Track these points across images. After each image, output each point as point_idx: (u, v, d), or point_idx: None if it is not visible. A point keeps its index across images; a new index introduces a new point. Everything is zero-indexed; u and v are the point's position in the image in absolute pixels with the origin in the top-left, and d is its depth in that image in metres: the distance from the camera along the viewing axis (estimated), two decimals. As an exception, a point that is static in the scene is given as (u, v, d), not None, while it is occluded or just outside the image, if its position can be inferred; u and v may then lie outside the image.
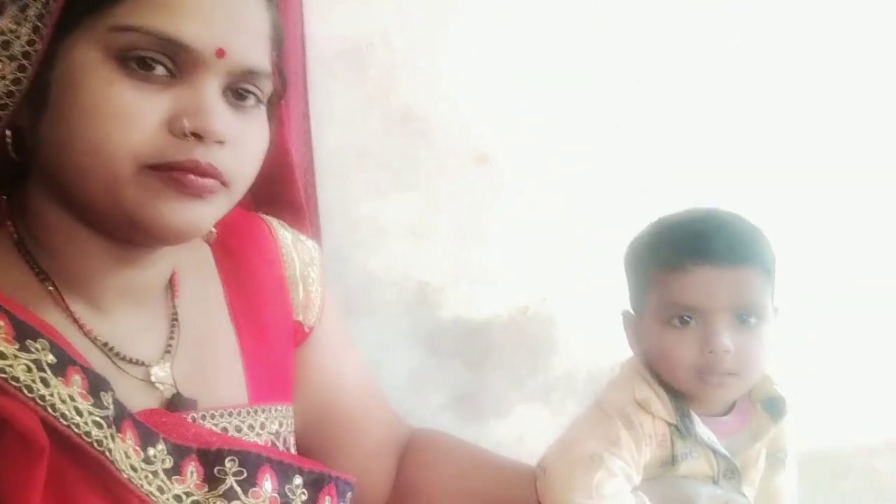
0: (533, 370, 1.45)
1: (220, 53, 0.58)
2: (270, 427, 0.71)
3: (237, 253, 0.74)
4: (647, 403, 0.78)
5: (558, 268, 1.40)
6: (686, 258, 0.76)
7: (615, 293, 1.42)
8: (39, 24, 0.57)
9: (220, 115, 0.58)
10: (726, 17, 1.34)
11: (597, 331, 1.47)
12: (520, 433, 1.46)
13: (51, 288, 0.62)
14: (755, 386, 0.81)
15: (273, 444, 0.70)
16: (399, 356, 1.36)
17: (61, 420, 0.53)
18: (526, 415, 1.47)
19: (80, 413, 0.54)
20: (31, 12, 0.57)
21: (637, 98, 1.36)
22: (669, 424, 0.77)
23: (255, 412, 0.70)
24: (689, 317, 0.76)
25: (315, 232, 1.06)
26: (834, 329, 1.43)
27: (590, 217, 1.40)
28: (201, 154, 0.58)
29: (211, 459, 0.62)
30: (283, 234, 0.78)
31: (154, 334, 0.67)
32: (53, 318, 0.60)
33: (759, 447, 0.80)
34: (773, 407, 0.81)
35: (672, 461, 0.77)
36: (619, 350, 1.45)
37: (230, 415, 0.68)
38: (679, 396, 0.78)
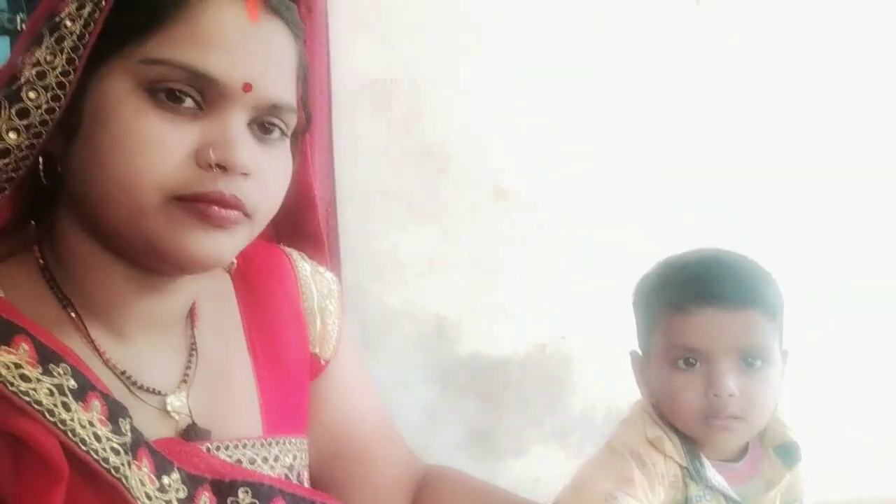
0: (551, 410, 1.44)
1: (247, 88, 0.59)
2: (284, 460, 0.70)
3: (257, 284, 0.74)
4: (660, 443, 0.77)
5: (577, 306, 1.40)
6: (690, 300, 0.76)
7: (634, 333, 1.42)
8: (74, 56, 0.58)
9: (245, 147, 0.59)
10: (726, 18, 1.34)
11: (616, 371, 1.44)
12: (536, 474, 1.44)
13: (72, 314, 0.63)
14: (768, 431, 0.81)
15: (287, 477, 0.70)
16: (414, 391, 1.35)
17: (80, 445, 0.53)
18: (543, 455, 1.45)
19: (98, 439, 0.54)
20: (67, 44, 0.59)
21: (668, 138, 1.37)
22: (681, 467, 0.77)
23: (270, 444, 0.69)
24: (693, 359, 0.76)
25: (335, 264, 1.07)
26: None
27: (610, 256, 1.39)
28: (225, 185, 0.58)
29: (224, 490, 0.61)
30: (303, 266, 0.78)
31: (172, 363, 0.67)
32: (74, 343, 0.61)
33: (773, 495, 0.79)
34: (787, 453, 0.80)
35: (684, 503, 0.76)
36: (636, 396, 1.44)
37: (244, 446, 0.67)
38: (689, 440, 0.78)
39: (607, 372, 1.43)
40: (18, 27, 1.91)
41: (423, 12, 1.21)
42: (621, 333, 1.40)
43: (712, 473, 0.76)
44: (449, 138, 1.27)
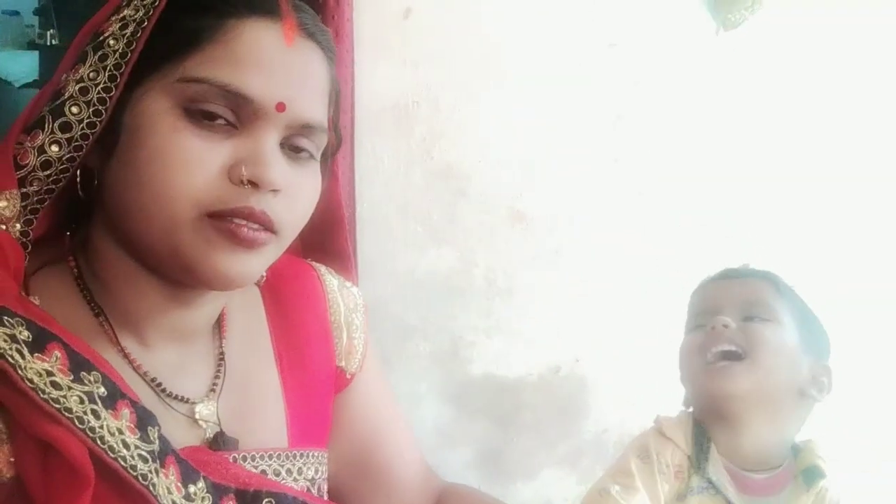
0: (563, 433, 1.43)
1: (281, 108, 0.61)
2: (307, 473, 0.71)
3: (285, 297, 0.75)
4: (670, 429, 0.80)
5: (592, 329, 1.40)
6: (707, 280, 0.90)
7: (649, 358, 1.42)
8: (116, 73, 0.61)
9: (276, 165, 0.61)
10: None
11: (629, 395, 1.45)
12: (547, 497, 1.43)
13: (104, 323, 0.64)
14: (800, 454, 0.81)
15: (308, 489, 0.70)
16: (428, 409, 1.35)
17: (109, 453, 0.54)
18: (554, 478, 1.44)
19: (127, 446, 0.55)
20: (110, 62, 0.61)
21: (694, 166, 1.38)
22: (687, 456, 0.79)
23: (294, 456, 0.70)
24: (702, 322, 0.84)
25: (354, 282, 1.08)
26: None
27: (626, 281, 1.40)
28: (256, 201, 0.60)
29: (249, 500, 0.62)
30: (330, 281, 0.79)
31: (200, 372, 0.68)
32: (105, 352, 0.62)
33: None
34: (810, 474, 0.80)
35: (685, 493, 0.77)
36: (652, 416, 1.44)
37: (270, 457, 0.68)
38: (703, 431, 0.80)
39: (621, 396, 1.43)
40: (49, 42, 1.96)
41: (445, 36, 1.23)
42: (636, 358, 1.42)
43: (716, 469, 0.77)
44: (468, 161, 1.28)
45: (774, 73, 1.37)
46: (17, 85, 3.10)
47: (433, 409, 1.36)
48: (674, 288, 1.42)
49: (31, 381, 0.52)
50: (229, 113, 0.60)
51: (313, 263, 0.80)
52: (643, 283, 1.41)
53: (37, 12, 2.29)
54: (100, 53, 0.61)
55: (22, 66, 3.12)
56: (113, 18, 0.63)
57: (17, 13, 3.50)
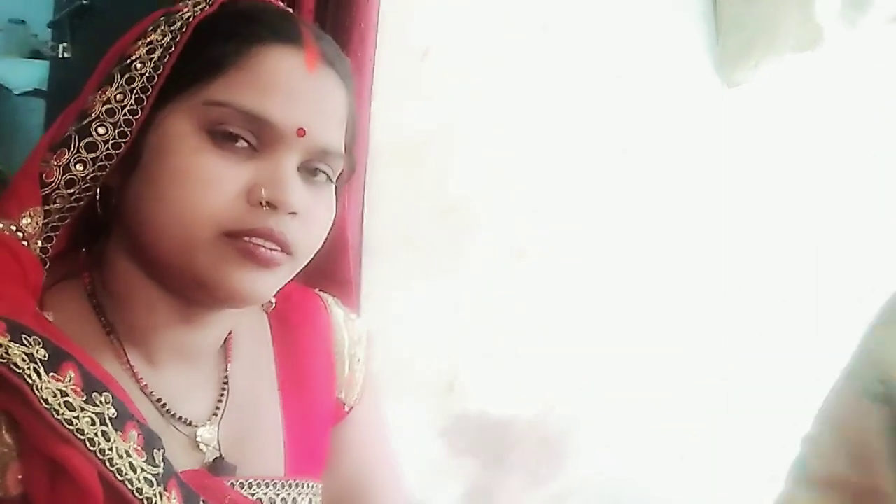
0: (552, 473, 1.43)
1: (301, 133, 0.62)
2: (301, 503, 0.71)
3: (292, 325, 0.76)
4: None
5: (586, 371, 1.40)
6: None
7: (641, 401, 1.42)
8: (142, 96, 0.62)
9: (295, 188, 0.62)
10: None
11: (619, 439, 1.45)
12: (534, 537, 1.43)
13: (114, 340, 0.64)
14: None
15: (301, 520, 0.70)
16: (419, 443, 1.35)
17: (117, 475, 0.54)
18: (541, 520, 1.44)
19: (134, 469, 0.55)
20: (137, 85, 0.62)
21: (686, 211, 1.40)
22: None
23: (290, 486, 0.70)
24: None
25: (355, 311, 1.08)
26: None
27: (623, 325, 1.41)
28: (274, 223, 0.61)
29: None
30: (336, 312, 0.80)
31: (204, 395, 0.68)
32: (113, 369, 0.62)
33: None
34: None
35: None
36: (639, 463, 1.43)
37: (266, 485, 0.68)
38: None
39: (612, 439, 1.43)
40: (61, 55, 1.98)
41: (460, 76, 1.26)
42: (628, 401, 1.42)
43: None
44: (475, 197, 1.30)
45: (775, 129, 1.40)
46: (16, 92, 3.11)
47: (425, 443, 1.35)
48: (669, 336, 1.44)
49: (46, 401, 0.52)
50: (251, 136, 0.61)
51: (321, 293, 0.80)
52: (640, 329, 1.42)
53: (50, 25, 2.32)
54: (127, 76, 0.62)
55: (23, 75, 3.14)
56: (140, 42, 0.64)
57: (23, 22, 3.54)
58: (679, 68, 1.35)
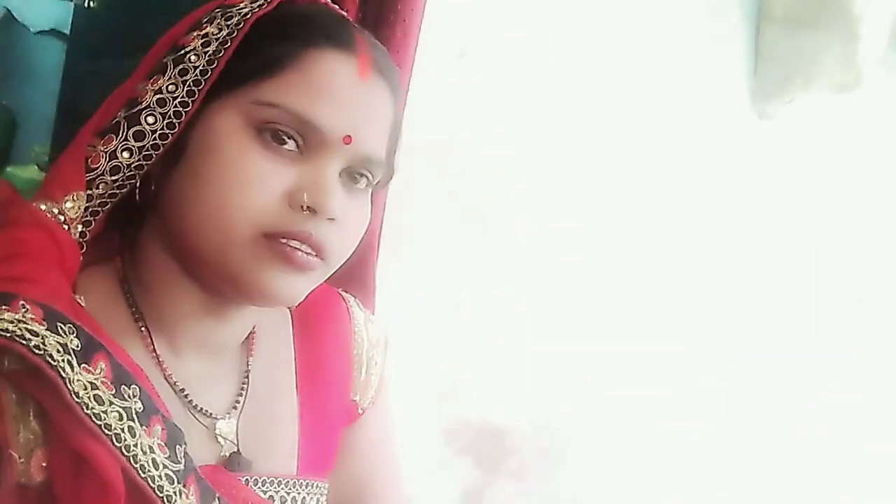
0: (547, 478, 1.43)
1: (348, 140, 0.62)
2: (310, 503, 0.71)
3: (314, 323, 0.76)
4: None
5: (587, 382, 1.40)
6: None
7: (638, 412, 1.42)
8: (195, 89, 0.62)
9: (336, 194, 0.62)
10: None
11: (610, 454, 1.46)
12: (522, 545, 1.43)
13: (143, 328, 0.64)
14: None
15: (307, 520, 0.70)
16: (415, 446, 1.35)
17: (140, 472, 0.55)
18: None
19: (156, 465, 0.56)
20: (189, 77, 0.62)
21: (697, 212, 1.39)
22: None
23: (301, 485, 0.70)
24: None
25: (372, 312, 1.08)
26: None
27: (630, 338, 1.41)
28: (313, 227, 0.61)
29: None
30: (357, 314, 0.80)
31: (225, 388, 0.69)
32: (139, 356, 0.63)
33: None
34: None
35: None
36: (626, 479, 1.43)
37: (279, 483, 0.68)
38: None
39: (606, 450, 1.44)
40: (85, 3, 1.96)
41: (484, 76, 1.25)
42: (626, 412, 1.42)
43: None
44: (496, 200, 1.29)
45: (801, 163, 1.40)
46: (33, 30, 3.07)
47: (418, 445, 1.36)
48: (669, 336, 1.44)
49: (77, 394, 0.53)
50: (298, 139, 0.61)
51: (344, 294, 0.80)
52: (641, 331, 1.41)
53: (76, -30, 2.29)
54: (180, 67, 0.62)
55: (42, 11, 3.09)
56: (195, 34, 0.64)
57: (43, -42, 3.48)
58: (715, 96, 1.35)
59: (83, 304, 0.61)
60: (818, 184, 1.40)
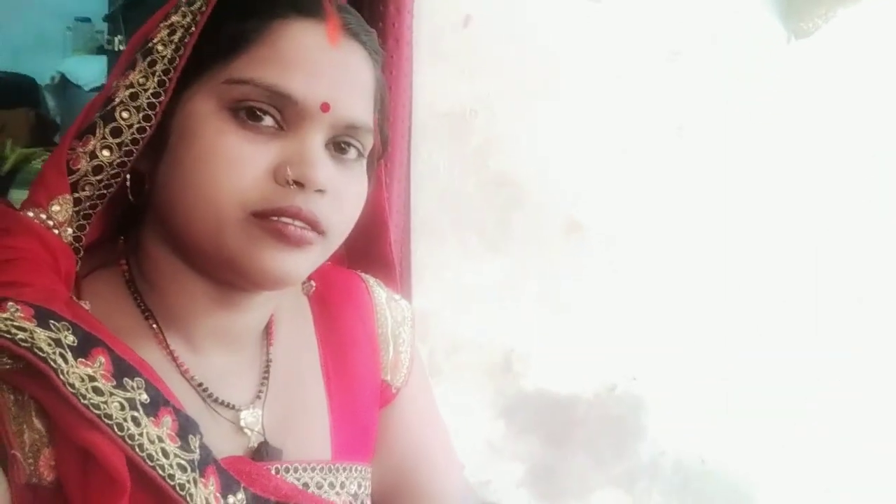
0: (618, 453, 1.39)
1: (325, 108, 0.60)
2: (350, 487, 0.69)
3: (334, 307, 0.74)
4: None
5: (650, 347, 1.35)
6: None
7: (709, 378, 1.37)
8: (165, 78, 0.61)
9: (321, 165, 0.60)
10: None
11: (688, 417, 1.40)
12: (600, 519, 1.39)
13: (154, 326, 0.64)
14: None
15: (350, 504, 0.69)
16: (478, 423, 1.33)
17: (147, 461, 0.54)
18: (606, 500, 1.40)
19: (166, 455, 0.55)
20: (159, 67, 0.61)
21: (737, 173, 1.33)
22: None
23: (337, 470, 0.69)
24: None
25: (406, 291, 1.06)
26: None
27: (686, 297, 1.35)
28: (303, 201, 0.60)
29: None
30: (378, 293, 0.78)
31: (246, 379, 0.68)
32: (153, 355, 0.62)
33: None
34: None
35: None
36: (708, 440, 1.38)
37: (312, 470, 0.67)
38: None
39: (679, 419, 1.38)
40: (116, 48, 2.02)
41: (503, 45, 1.21)
42: (695, 380, 1.36)
43: None
44: (524, 171, 1.26)
45: (846, 82, 1.31)
46: (86, 88, 3.22)
47: (484, 423, 1.33)
48: (737, 306, 1.37)
49: (72, 385, 0.52)
50: (275, 113, 0.60)
51: (362, 275, 0.79)
52: (704, 300, 1.36)
53: (105, 18, 2.38)
54: (149, 59, 0.62)
55: (92, 71, 3.24)
56: (161, 25, 0.63)
57: (88, 20, 3.65)
58: (741, 18, 1.28)
59: (88, 309, 0.60)
60: (854, 106, 1.31)
